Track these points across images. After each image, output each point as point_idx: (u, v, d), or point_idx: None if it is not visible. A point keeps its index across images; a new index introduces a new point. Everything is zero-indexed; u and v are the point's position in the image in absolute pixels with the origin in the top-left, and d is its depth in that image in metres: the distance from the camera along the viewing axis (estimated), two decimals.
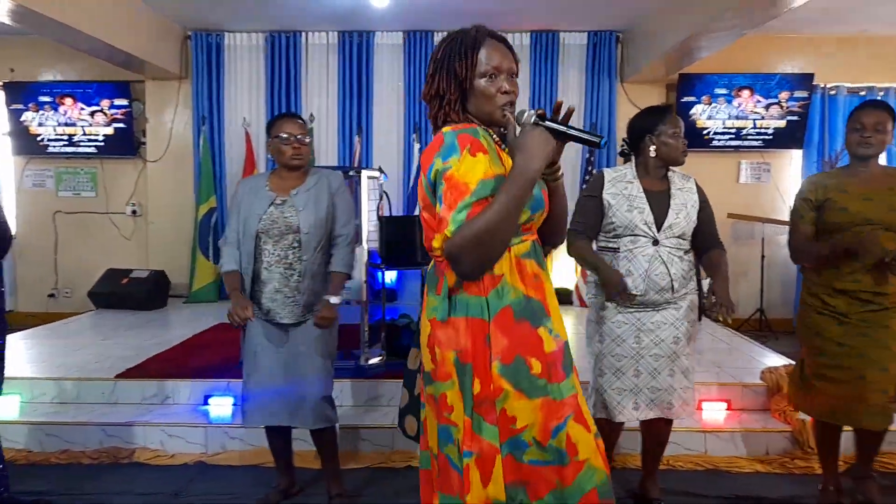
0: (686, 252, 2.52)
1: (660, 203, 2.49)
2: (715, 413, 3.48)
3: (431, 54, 1.61)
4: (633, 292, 2.42)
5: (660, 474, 2.76)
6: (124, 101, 6.34)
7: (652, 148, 2.50)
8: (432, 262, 1.61)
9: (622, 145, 2.65)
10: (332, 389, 2.67)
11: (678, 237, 2.47)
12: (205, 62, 6.24)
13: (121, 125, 6.35)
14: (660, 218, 2.46)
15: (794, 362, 3.87)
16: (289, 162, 2.53)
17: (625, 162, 2.66)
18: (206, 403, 3.55)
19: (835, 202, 2.48)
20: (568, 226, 1.90)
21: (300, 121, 2.56)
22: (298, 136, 2.51)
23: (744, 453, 3.27)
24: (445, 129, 1.51)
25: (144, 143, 6.48)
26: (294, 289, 2.52)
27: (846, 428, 2.63)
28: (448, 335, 1.51)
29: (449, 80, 1.53)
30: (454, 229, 1.40)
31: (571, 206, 1.98)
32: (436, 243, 1.46)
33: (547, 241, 1.68)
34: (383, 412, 3.50)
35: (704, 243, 2.55)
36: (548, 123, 1.45)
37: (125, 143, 6.40)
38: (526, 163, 1.41)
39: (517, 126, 1.48)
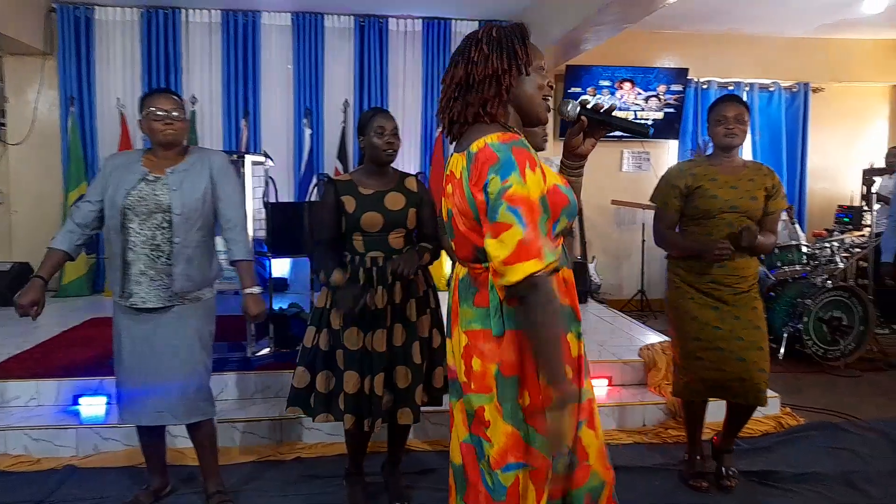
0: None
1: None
2: (597, 389, 3.60)
3: (469, 36, 1.52)
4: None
5: None
6: None
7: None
8: (465, 271, 1.55)
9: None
10: (208, 380, 2.54)
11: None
12: (72, 37, 5.76)
13: None
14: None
15: (669, 339, 4.14)
16: (160, 139, 2.37)
17: None
18: (76, 404, 3.32)
19: (706, 190, 2.63)
20: None
21: (175, 97, 2.42)
22: (171, 112, 2.37)
23: (623, 426, 3.45)
24: (491, 138, 1.44)
25: (4, 125, 5.93)
26: (161, 271, 2.37)
27: (711, 400, 2.81)
28: (492, 348, 1.47)
29: (510, 61, 1.47)
30: (550, 260, 1.38)
31: None
32: (496, 251, 1.37)
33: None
34: (272, 404, 3.40)
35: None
36: (591, 114, 1.49)
37: None
38: (555, 432, 1.38)
39: (566, 116, 1.54)
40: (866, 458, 3.11)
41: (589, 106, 1.56)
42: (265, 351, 3.77)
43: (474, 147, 1.45)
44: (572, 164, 1.62)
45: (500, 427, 1.45)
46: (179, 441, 3.04)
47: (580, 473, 1.50)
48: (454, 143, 1.59)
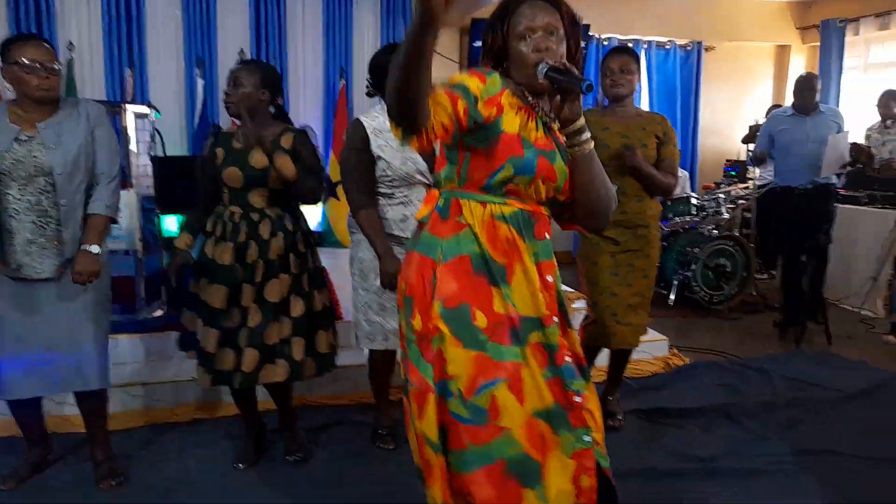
0: None
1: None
2: None
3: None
4: None
5: None
6: None
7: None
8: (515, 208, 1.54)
9: (367, 86, 2.58)
10: (106, 346, 2.42)
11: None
12: None
13: None
14: (432, 163, 2.45)
15: (569, 288, 4.28)
16: (34, 93, 2.16)
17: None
18: None
19: (598, 139, 2.66)
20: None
21: (46, 45, 2.21)
22: (47, 64, 2.15)
23: None
24: None
25: None
26: (52, 238, 2.20)
27: None
28: (404, 267, 1.58)
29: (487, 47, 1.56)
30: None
31: None
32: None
33: (582, 224, 1.63)
34: (165, 366, 3.27)
35: None
36: (548, 72, 1.43)
37: None
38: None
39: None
40: (745, 393, 3.36)
41: (549, 70, 1.44)
42: (158, 313, 3.60)
43: None
44: (565, 133, 1.51)
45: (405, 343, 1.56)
46: (67, 409, 2.87)
47: (486, 432, 1.43)
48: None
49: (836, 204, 4.41)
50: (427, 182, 2.51)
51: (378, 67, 2.46)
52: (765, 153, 4.52)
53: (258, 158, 2.34)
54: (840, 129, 4.25)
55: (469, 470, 1.44)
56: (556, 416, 1.47)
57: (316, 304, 2.48)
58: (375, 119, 2.49)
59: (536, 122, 1.52)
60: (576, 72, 1.43)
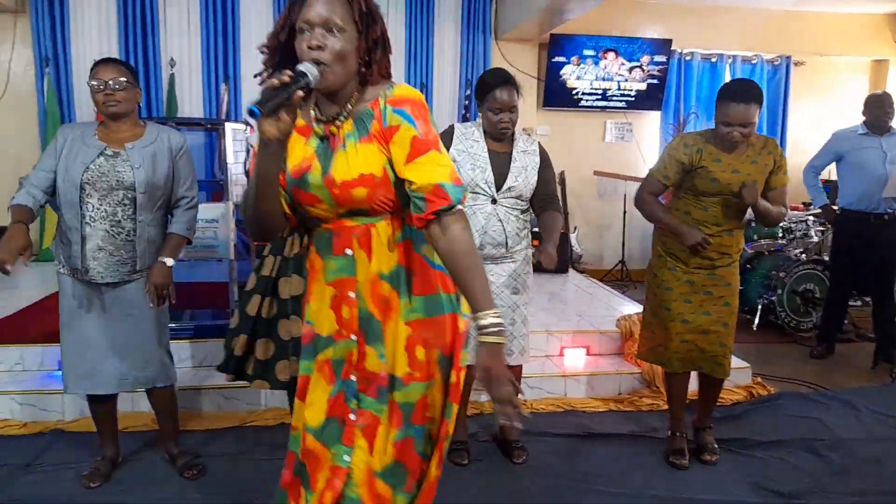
0: (523, 211, 2.68)
1: (501, 164, 2.60)
2: (574, 359, 3.74)
3: None
4: None
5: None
6: None
7: (480, 115, 2.64)
8: (393, 263, 1.54)
9: (465, 98, 2.75)
10: (169, 346, 2.60)
11: (516, 198, 2.62)
12: None
13: None
14: (500, 179, 2.58)
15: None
16: (104, 110, 2.34)
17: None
18: (60, 368, 3.32)
19: (709, 171, 2.60)
20: None
21: (120, 66, 2.37)
22: (110, 82, 2.30)
23: (599, 394, 3.55)
24: None
25: None
26: (121, 247, 2.38)
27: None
28: (437, 332, 1.54)
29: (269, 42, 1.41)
30: None
31: None
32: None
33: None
34: None
35: (540, 203, 2.70)
36: (248, 114, 1.21)
37: None
38: None
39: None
40: (831, 426, 3.23)
41: (264, 105, 1.21)
42: None
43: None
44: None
45: (440, 403, 1.50)
46: (141, 405, 3.06)
47: (293, 424, 1.57)
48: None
49: None
50: (491, 195, 2.57)
51: (481, 84, 2.62)
52: (820, 170, 4.42)
53: None
54: None
55: (287, 449, 1.59)
56: (330, 433, 1.49)
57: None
58: (468, 127, 2.66)
59: (309, 139, 1.43)
60: (279, 81, 1.22)
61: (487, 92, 2.56)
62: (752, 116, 2.49)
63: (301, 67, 1.27)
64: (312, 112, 1.44)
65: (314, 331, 1.53)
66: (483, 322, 1.35)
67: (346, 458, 1.48)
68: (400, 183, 1.39)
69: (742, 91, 2.52)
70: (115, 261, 2.38)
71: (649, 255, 2.91)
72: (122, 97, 2.34)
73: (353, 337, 1.48)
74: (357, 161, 1.38)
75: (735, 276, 2.76)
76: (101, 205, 2.34)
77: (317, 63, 1.30)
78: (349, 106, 1.41)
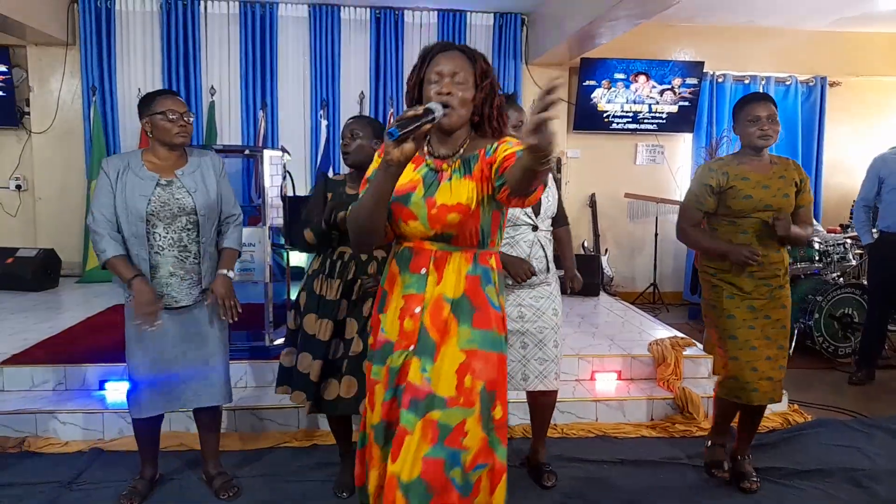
0: (551, 233, 2.76)
1: None
2: (606, 383, 3.71)
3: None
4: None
5: (551, 441, 2.94)
6: (3, 68, 5.88)
7: None
8: (462, 289, 1.72)
9: None
10: (228, 365, 2.68)
11: (548, 219, 2.70)
12: (93, 28, 5.86)
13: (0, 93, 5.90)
14: (537, 206, 2.62)
15: (679, 334, 4.19)
16: (174, 140, 2.43)
17: None
18: (102, 388, 3.44)
19: (739, 190, 2.63)
20: None
21: (179, 97, 2.49)
22: (184, 116, 2.42)
23: (630, 419, 3.52)
24: None
25: (28, 114, 6.05)
26: (190, 270, 2.48)
27: None
28: (483, 367, 1.70)
29: (410, 80, 1.72)
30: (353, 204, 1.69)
31: None
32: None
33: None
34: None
35: (555, 222, 2.78)
36: (387, 135, 1.48)
37: (6, 113, 5.96)
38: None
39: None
40: (873, 456, 3.15)
41: (401, 130, 1.47)
42: (282, 339, 3.85)
43: None
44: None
45: (478, 435, 1.63)
46: (176, 425, 3.16)
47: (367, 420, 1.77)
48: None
49: None
50: (533, 224, 2.61)
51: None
52: (871, 201, 4.32)
53: None
54: None
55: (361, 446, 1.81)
56: (382, 433, 1.70)
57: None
58: None
59: (419, 167, 1.71)
60: (414, 113, 1.50)
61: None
62: (776, 114, 2.61)
63: (430, 105, 1.54)
64: (426, 148, 1.73)
65: (387, 338, 1.72)
66: None
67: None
68: (485, 219, 1.66)
69: (757, 94, 2.68)
70: (187, 284, 2.48)
71: (681, 278, 2.89)
72: (190, 129, 2.47)
73: (412, 347, 1.67)
74: (458, 191, 1.64)
75: (788, 298, 2.73)
76: (167, 233, 2.44)
77: (444, 105, 1.59)
78: (461, 150, 1.69)
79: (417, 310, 1.66)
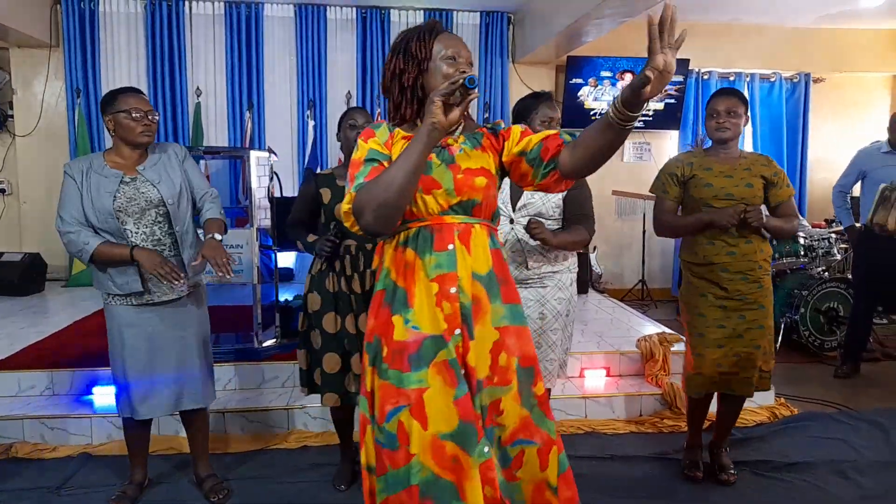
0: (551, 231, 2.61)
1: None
2: (595, 380, 3.73)
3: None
4: None
5: None
6: None
7: None
8: (489, 265, 1.65)
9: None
10: (212, 367, 2.68)
11: (535, 216, 2.53)
12: (77, 30, 5.82)
13: None
14: (515, 198, 2.54)
15: (668, 330, 4.22)
16: (138, 139, 2.39)
17: None
18: (89, 393, 3.41)
19: (700, 179, 2.69)
20: None
21: (144, 95, 2.46)
22: (148, 115, 2.39)
23: (620, 415, 3.54)
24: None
25: (11, 117, 6.00)
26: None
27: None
28: (515, 342, 1.64)
29: (406, 61, 1.63)
30: (355, 186, 1.54)
31: None
32: (345, 207, 1.55)
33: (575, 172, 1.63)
34: (278, 393, 3.49)
35: (572, 223, 2.64)
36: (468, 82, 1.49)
37: None
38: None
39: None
40: (859, 448, 3.18)
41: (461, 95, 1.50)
42: (271, 341, 3.85)
43: None
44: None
45: (516, 412, 1.59)
46: (165, 428, 3.16)
47: (400, 456, 1.52)
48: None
49: None
50: (508, 215, 2.54)
51: (524, 109, 2.62)
52: (849, 188, 4.47)
53: None
54: None
55: (392, 492, 1.54)
56: (466, 437, 1.52)
57: None
58: None
59: None
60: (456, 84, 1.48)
61: (530, 110, 2.58)
62: (737, 107, 2.63)
63: (473, 76, 1.47)
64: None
65: (422, 334, 1.56)
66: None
67: (486, 450, 1.55)
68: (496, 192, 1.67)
69: (725, 89, 2.72)
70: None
71: (669, 274, 2.91)
72: (155, 128, 2.44)
73: (458, 331, 1.57)
74: (476, 158, 1.64)
75: (767, 298, 2.71)
76: (138, 228, 2.40)
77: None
78: (459, 129, 1.67)
79: (453, 290, 1.56)
